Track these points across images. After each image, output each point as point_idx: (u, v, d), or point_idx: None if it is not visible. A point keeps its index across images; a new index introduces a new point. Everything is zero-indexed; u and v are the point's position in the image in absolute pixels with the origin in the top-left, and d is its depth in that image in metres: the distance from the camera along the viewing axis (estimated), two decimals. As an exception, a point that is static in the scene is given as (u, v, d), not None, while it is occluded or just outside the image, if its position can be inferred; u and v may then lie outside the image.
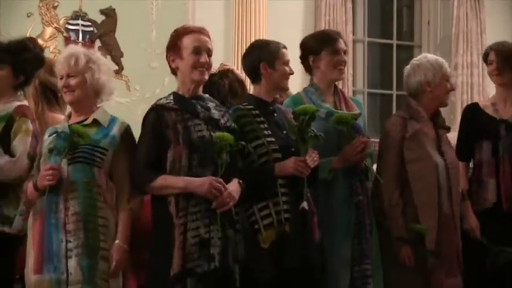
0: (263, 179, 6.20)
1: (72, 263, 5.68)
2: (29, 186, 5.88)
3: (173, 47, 6.10)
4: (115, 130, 6.10)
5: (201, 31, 6.14)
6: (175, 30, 6.19)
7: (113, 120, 6.20)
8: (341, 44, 6.91)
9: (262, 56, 6.49)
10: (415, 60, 7.55)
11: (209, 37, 6.17)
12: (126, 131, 6.22)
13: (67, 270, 5.67)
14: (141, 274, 6.37)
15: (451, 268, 6.71)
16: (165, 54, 6.19)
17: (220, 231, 5.74)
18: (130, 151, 6.07)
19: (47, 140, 5.97)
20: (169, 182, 5.77)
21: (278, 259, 6.09)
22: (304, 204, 6.10)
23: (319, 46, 6.91)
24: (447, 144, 6.93)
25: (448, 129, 7.09)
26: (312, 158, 6.21)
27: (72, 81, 5.99)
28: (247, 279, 5.90)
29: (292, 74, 6.55)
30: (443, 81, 7.06)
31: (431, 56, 7.72)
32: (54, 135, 5.89)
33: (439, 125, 6.90)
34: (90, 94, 6.13)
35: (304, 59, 7.01)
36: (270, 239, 6.07)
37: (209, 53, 6.09)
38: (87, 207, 5.81)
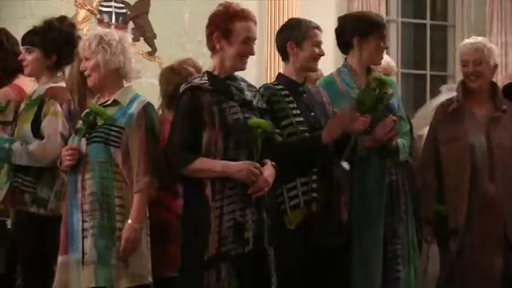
0: (310, 148, 6.22)
1: (88, 243, 5.76)
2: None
3: (223, 28, 5.91)
4: (133, 108, 6.10)
5: (252, 18, 6.04)
6: (227, 11, 5.94)
7: (134, 99, 6.22)
8: (385, 31, 6.90)
9: (291, 35, 6.50)
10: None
11: (256, 23, 6.13)
12: (144, 108, 6.18)
13: (83, 250, 5.75)
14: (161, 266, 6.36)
15: (491, 247, 6.65)
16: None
17: (254, 214, 5.81)
18: (145, 128, 6.09)
19: (78, 123, 6.02)
20: (208, 165, 5.77)
21: (306, 239, 6.16)
22: (345, 164, 6.14)
23: (368, 29, 6.87)
24: (502, 127, 6.79)
25: (504, 111, 6.94)
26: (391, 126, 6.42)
27: (87, 64, 6.06)
28: (276, 259, 5.92)
29: (322, 55, 6.54)
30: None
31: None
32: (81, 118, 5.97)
33: (496, 107, 6.81)
34: (108, 75, 6.12)
35: (344, 38, 6.98)
36: (297, 221, 6.15)
37: (254, 41, 6.13)
38: (103, 187, 5.87)
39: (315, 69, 6.67)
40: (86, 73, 6.06)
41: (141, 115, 6.10)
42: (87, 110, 5.97)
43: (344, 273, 6.40)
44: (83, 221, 5.76)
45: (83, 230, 5.75)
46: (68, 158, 5.76)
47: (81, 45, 6.14)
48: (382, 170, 6.69)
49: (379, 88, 6.35)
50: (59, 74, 6.72)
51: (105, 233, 5.80)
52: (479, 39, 7.54)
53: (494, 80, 6.86)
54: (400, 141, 6.78)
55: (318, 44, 6.46)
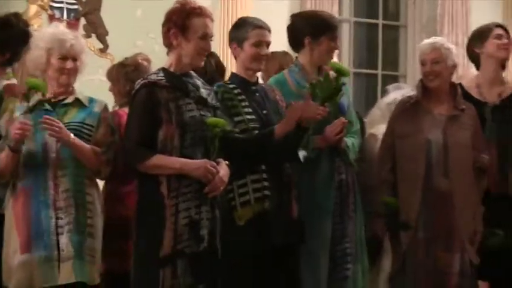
0: (262, 145, 6.25)
1: (64, 239, 5.76)
2: (3, 155, 5.89)
3: (180, 25, 5.92)
4: (97, 108, 6.23)
5: (209, 15, 6.08)
6: (184, 8, 5.95)
7: (91, 100, 6.31)
8: (335, 30, 6.98)
9: (235, 36, 6.60)
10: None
11: (212, 20, 6.15)
12: (105, 108, 6.41)
13: (58, 247, 5.72)
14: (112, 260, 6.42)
15: (444, 242, 6.74)
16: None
17: (208, 212, 5.85)
18: (107, 124, 6.28)
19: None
20: (165, 162, 5.78)
21: (258, 236, 6.19)
22: (301, 154, 6.27)
23: (320, 30, 6.92)
24: (460, 126, 6.89)
25: (463, 110, 6.99)
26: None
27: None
28: (228, 255, 6.01)
29: (265, 55, 6.54)
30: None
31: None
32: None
33: (455, 106, 6.87)
34: None
35: (295, 37, 7.02)
36: (246, 217, 6.18)
37: (211, 38, 6.15)
38: (77, 184, 5.91)
39: (258, 69, 6.60)
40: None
41: (104, 113, 6.30)
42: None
43: (294, 271, 6.46)
44: (57, 218, 5.76)
45: (58, 227, 5.75)
46: (17, 131, 5.61)
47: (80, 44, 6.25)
48: (332, 169, 6.74)
49: (337, 75, 6.37)
50: (9, 69, 6.63)
51: (79, 228, 5.85)
52: (438, 39, 7.68)
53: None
54: (350, 141, 6.85)
55: (259, 43, 6.42)
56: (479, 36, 7.41)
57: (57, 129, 5.67)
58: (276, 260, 6.28)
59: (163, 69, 6.05)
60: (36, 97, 5.94)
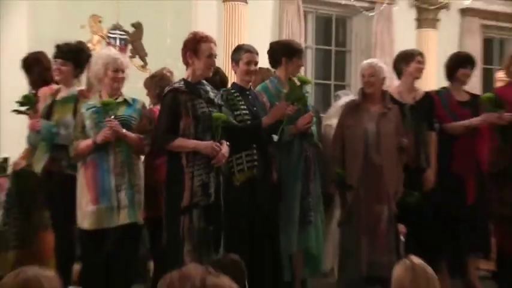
0: (253, 131, 6.47)
1: (121, 195, 5.90)
2: (84, 144, 5.95)
3: (193, 49, 6.14)
4: (138, 106, 6.34)
5: (213, 41, 6.27)
6: (195, 37, 6.21)
7: (134, 100, 6.37)
8: (297, 51, 7.04)
9: (233, 57, 6.80)
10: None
11: (215, 44, 6.31)
12: (144, 106, 6.53)
13: (118, 200, 5.87)
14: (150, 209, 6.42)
15: (377, 198, 6.78)
16: (176, 55, 6.35)
17: (214, 175, 6.00)
18: (146, 117, 6.37)
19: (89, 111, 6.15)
20: (184, 143, 5.98)
21: (250, 196, 6.33)
22: (275, 137, 6.38)
23: (292, 53, 7.00)
24: (386, 118, 6.89)
25: (389, 109, 6.98)
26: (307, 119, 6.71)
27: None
28: (228, 207, 6.17)
29: (254, 71, 6.68)
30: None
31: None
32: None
33: (384, 106, 6.88)
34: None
35: (274, 57, 7.07)
36: (241, 180, 6.34)
37: (215, 57, 6.28)
38: (128, 158, 6.02)
39: (249, 80, 6.71)
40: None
41: (143, 109, 6.43)
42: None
43: (274, 219, 6.49)
44: (116, 181, 5.90)
45: (116, 186, 5.89)
46: (108, 135, 5.82)
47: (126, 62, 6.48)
48: (301, 148, 6.77)
49: (302, 84, 6.67)
50: (76, 80, 6.66)
51: (130, 187, 5.98)
52: (375, 60, 7.72)
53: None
54: (313, 129, 6.90)
55: (249, 63, 6.59)
56: (405, 58, 7.36)
57: (116, 127, 5.84)
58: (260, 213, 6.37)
59: (184, 80, 6.24)
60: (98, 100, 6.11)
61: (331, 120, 7.45)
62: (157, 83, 7.30)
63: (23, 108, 6.69)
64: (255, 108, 6.57)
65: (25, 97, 6.68)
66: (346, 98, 8.02)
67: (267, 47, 7.23)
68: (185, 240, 5.90)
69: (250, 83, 6.76)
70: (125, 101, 6.17)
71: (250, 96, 6.65)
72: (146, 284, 7.00)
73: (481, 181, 7.40)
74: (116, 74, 6.09)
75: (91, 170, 5.96)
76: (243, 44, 7.12)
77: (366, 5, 9.71)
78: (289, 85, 6.70)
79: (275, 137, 6.48)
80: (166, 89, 6.35)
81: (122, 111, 6.04)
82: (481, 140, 7.44)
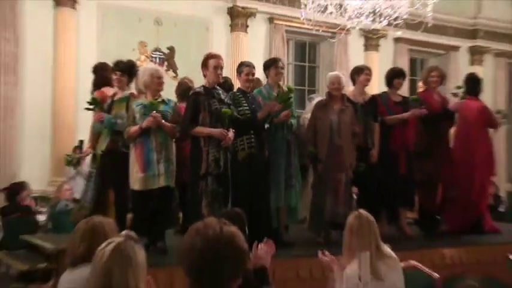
0: (251, 122, 6.35)
1: (160, 166, 5.84)
2: (133, 129, 5.86)
3: (205, 64, 6.18)
4: (172, 104, 6.28)
5: (219, 57, 6.24)
6: (207, 56, 6.25)
7: (169, 100, 6.32)
8: (280, 64, 6.89)
9: (238, 70, 6.66)
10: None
11: (222, 60, 6.26)
12: (176, 104, 6.45)
13: (158, 170, 5.82)
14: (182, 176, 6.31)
15: (338, 168, 6.70)
16: (198, 68, 6.33)
17: (223, 153, 5.98)
18: (177, 112, 6.24)
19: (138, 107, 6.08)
20: (202, 130, 5.96)
21: (249, 166, 6.25)
22: (266, 125, 6.51)
23: (270, 64, 6.90)
24: (345, 113, 6.77)
25: (347, 107, 6.89)
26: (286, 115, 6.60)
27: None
28: (233, 175, 6.15)
29: (252, 80, 6.65)
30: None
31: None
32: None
33: (343, 104, 6.77)
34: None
35: (266, 70, 6.93)
36: (242, 156, 6.26)
37: (222, 69, 6.25)
38: (165, 140, 5.94)
39: (249, 86, 6.62)
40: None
41: (176, 108, 6.32)
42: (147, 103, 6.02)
43: (266, 183, 6.43)
44: (157, 156, 5.83)
45: (157, 159, 5.82)
46: (150, 122, 5.76)
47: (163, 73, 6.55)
48: (284, 133, 6.71)
49: (288, 90, 6.71)
50: (127, 86, 6.61)
51: (167, 161, 5.90)
52: (338, 73, 7.51)
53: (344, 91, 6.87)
54: (293, 121, 6.83)
55: (248, 74, 6.51)
56: (357, 71, 7.34)
57: (158, 118, 5.78)
58: (258, 177, 6.30)
59: (203, 85, 6.26)
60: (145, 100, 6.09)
61: (307, 114, 7.35)
62: (179, 88, 7.40)
63: (91, 107, 6.63)
64: (253, 106, 6.44)
65: (92, 99, 6.63)
66: (316, 98, 7.88)
67: (261, 63, 7.18)
68: (203, 198, 5.92)
69: (249, 88, 6.65)
70: (163, 101, 6.09)
71: (249, 97, 6.53)
72: (176, 228, 6.92)
73: (409, 157, 7.39)
74: (159, 80, 6.05)
75: (139, 148, 5.88)
76: (244, 61, 6.96)
77: (329, 34, 9.62)
78: (280, 90, 6.69)
79: (266, 126, 6.55)
80: (191, 92, 6.39)
81: (161, 107, 5.94)
82: (409, 128, 7.44)
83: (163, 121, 5.87)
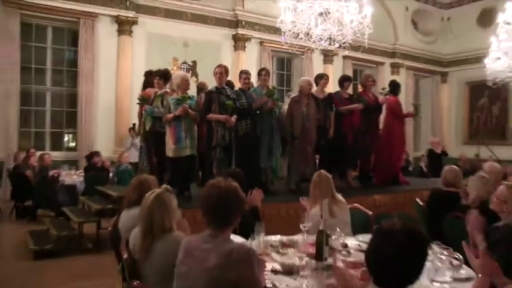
0: (248, 111, 6.15)
1: (187, 140, 5.59)
2: (170, 115, 5.62)
3: (214, 72, 6.05)
4: (195, 99, 5.93)
5: (223, 67, 6.09)
6: (215, 68, 6.10)
7: (193, 96, 6.04)
8: (264, 72, 6.59)
9: (239, 75, 6.47)
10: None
11: (223, 69, 6.09)
12: (197, 100, 6.07)
13: (185, 143, 5.59)
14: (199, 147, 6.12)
15: (307, 142, 6.52)
16: (211, 75, 6.13)
17: (228, 131, 5.87)
18: (198, 105, 5.93)
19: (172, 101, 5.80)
20: (213, 116, 5.82)
21: (247, 140, 6.09)
22: (258, 113, 6.26)
23: (260, 72, 6.63)
24: (311, 105, 6.52)
25: (312, 101, 6.70)
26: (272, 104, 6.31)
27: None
28: (236, 146, 6.03)
29: (248, 83, 6.40)
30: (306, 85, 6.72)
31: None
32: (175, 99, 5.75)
33: (309, 99, 6.55)
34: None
35: (257, 76, 6.65)
36: (242, 132, 6.06)
37: (225, 75, 6.12)
38: (189, 123, 5.66)
39: (246, 87, 6.33)
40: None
41: (198, 101, 6.03)
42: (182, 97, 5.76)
43: (257, 152, 6.28)
44: (185, 133, 5.59)
45: (185, 136, 5.58)
46: (181, 111, 5.53)
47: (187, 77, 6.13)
48: (269, 119, 6.46)
49: (273, 88, 6.46)
50: (164, 87, 6.36)
51: (191, 137, 5.65)
52: (307, 78, 7.31)
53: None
54: (276, 110, 6.58)
55: (245, 79, 6.30)
56: (320, 77, 7.16)
57: (186, 108, 5.54)
58: (251, 148, 6.16)
59: (215, 86, 6.05)
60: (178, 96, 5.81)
61: (285, 105, 7.06)
62: (198, 88, 7.18)
63: (140, 102, 6.54)
64: (249, 100, 6.18)
65: (142, 97, 6.50)
66: (292, 95, 7.58)
67: (255, 72, 7.02)
68: (213, 161, 5.85)
69: (246, 88, 6.34)
70: (189, 97, 5.77)
71: (247, 94, 6.24)
72: (197, 182, 6.73)
73: (354, 135, 7.24)
74: (187, 82, 5.82)
75: (173, 128, 5.61)
76: (243, 70, 6.70)
77: (300, 52, 9.43)
78: (268, 89, 6.41)
79: (258, 112, 6.29)
80: (206, 91, 6.33)
81: (188, 101, 5.63)
82: (355, 115, 7.27)
83: (190, 110, 5.63)
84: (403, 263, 1.56)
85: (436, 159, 10.87)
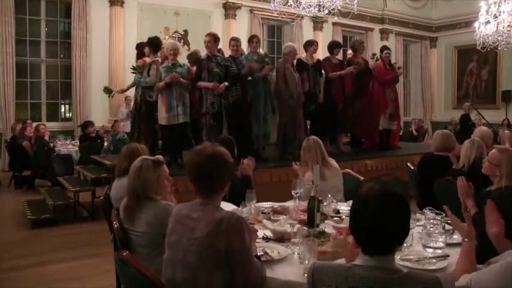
0: (239, 76, 6.00)
1: (179, 109, 5.51)
2: (161, 84, 5.51)
3: (204, 41, 5.87)
4: (186, 67, 5.80)
5: (209, 35, 5.94)
6: (208, 37, 5.90)
7: (183, 64, 5.88)
8: (255, 40, 6.40)
9: (229, 43, 6.34)
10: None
11: (213, 36, 5.93)
12: (188, 67, 5.93)
13: (177, 111, 5.50)
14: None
15: (300, 108, 6.47)
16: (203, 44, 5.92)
17: (217, 98, 5.71)
18: (189, 73, 5.80)
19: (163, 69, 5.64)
20: (203, 83, 5.69)
21: (240, 107, 5.99)
22: (249, 79, 6.19)
23: (250, 39, 6.43)
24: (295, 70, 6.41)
25: (307, 65, 6.72)
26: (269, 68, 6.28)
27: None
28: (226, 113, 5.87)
29: (236, 50, 6.23)
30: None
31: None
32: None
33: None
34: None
35: (248, 43, 6.47)
36: (233, 100, 5.93)
37: (210, 42, 5.88)
38: (182, 91, 5.56)
39: (236, 54, 6.18)
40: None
41: (189, 68, 5.87)
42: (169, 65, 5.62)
43: (249, 118, 6.17)
44: (177, 101, 5.49)
45: (176, 104, 5.50)
46: (171, 79, 5.43)
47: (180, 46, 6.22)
48: (262, 85, 6.28)
49: (264, 55, 6.53)
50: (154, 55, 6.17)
51: (184, 104, 5.57)
52: (292, 43, 7.15)
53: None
54: (268, 77, 6.41)
55: (234, 46, 6.17)
56: (310, 44, 6.87)
57: (176, 76, 5.42)
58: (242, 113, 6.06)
59: (206, 54, 5.88)
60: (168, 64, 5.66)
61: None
62: (191, 56, 6.80)
63: (133, 71, 6.26)
64: (239, 67, 5.99)
65: (134, 67, 6.22)
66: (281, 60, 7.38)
67: (245, 40, 6.82)
68: (203, 128, 5.74)
69: (236, 55, 6.16)
70: (180, 65, 5.65)
71: (237, 61, 6.05)
72: (190, 150, 6.59)
73: (345, 101, 7.09)
74: (175, 51, 5.61)
75: (165, 97, 5.52)
76: (233, 37, 6.50)
77: (290, 20, 9.26)
78: (258, 55, 6.29)
79: (249, 78, 6.16)
80: (199, 58, 6.17)
81: (178, 69, 5.51)
82: (347, 81, 7.08)
83: (180, 78, 5.48)
84: (381, 229, 1.44)
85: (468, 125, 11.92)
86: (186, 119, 5.61)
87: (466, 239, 1.95)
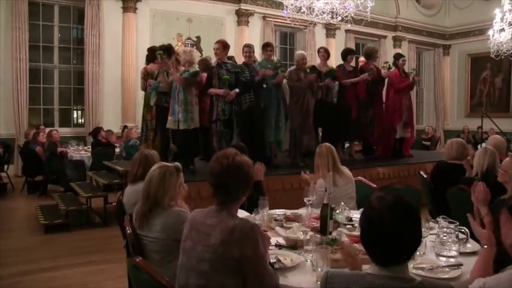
0: (252, 83, 6.05)
1: (180, 115, 5.57)
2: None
3: (214, 48, 5.94)
4: (191, 72, 5.70)
5: (222, 42, 5.97)
6: (217, 44, 5.93)
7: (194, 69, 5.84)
8: (270, 47, 6.48)
9: (242, 50, 6.41)
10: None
11: (222, 44, 5.95)
12: (198, 72, 5.85)
13: (178, 117, 5.59)
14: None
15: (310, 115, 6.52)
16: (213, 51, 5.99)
17: (228, 105, 5.74)
18: (197, 75, 5.80)
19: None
20: (214, 90, 5.74)
21: (251, 113, 6.03)
22: (264, 86, 6.26)
23: (264, 47, 6.52)
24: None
25: (320, 72, 6.77)
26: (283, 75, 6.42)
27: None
28: (237, 121, 5.89)
29: (250, 57, 6.30)
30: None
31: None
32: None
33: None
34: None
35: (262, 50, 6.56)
36: (245, 107, 5.98)
37: (218, 50, 5.92)
38: (187, 94, 5.61)
39: (249, 60, 6.25)
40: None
41: (194, 72, 5.75)
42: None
43: (261, 125, 6.21)
44: (178, 107, 5.54)
45: (178, 110, 5.54)
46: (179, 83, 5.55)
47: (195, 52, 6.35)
48: (275, 92, 6.34)
49: (278, 62, 6.53)
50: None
51: (187, 110, 5.57)
52: (302, 51, 7.16)
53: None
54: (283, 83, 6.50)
55: (247, 52, 6.24)
56: (317, 51, 7.01)
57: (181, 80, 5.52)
58: (256, 118, 6.11)
59: (216, 61, 5.94)
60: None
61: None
62: (201, 63, 6.81)
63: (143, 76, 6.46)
64: (253, 73, 6.05)
65: (148, 73, 6.35)
66: (292, 67, 7.40)
67: (259, 47, 6.87)
68: (214, 136, 5.77)
69: (250, 61, 6.23)
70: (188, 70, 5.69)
71: (250, 68, 6.11)
72: (200, 157, 6.48)
73: (359, 106, 7.10)
74: (191, 57, 5.79)
75: (172, 101, 5.67)
76: (246, 43, 6.56)
77: (302, 27, 9.30)
78: (273, 62, 6.38)
79: (264, 86, 6.21)
80: (210, 65, 6.19)
81: (185, 74, 5.65)
82: (360, 88, 7.08)
83: (177, 75, 5.66)
84: (392, 240, 1.42)
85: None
86: (188, 126, 5.62)
87: (485, 246, 1.94)
